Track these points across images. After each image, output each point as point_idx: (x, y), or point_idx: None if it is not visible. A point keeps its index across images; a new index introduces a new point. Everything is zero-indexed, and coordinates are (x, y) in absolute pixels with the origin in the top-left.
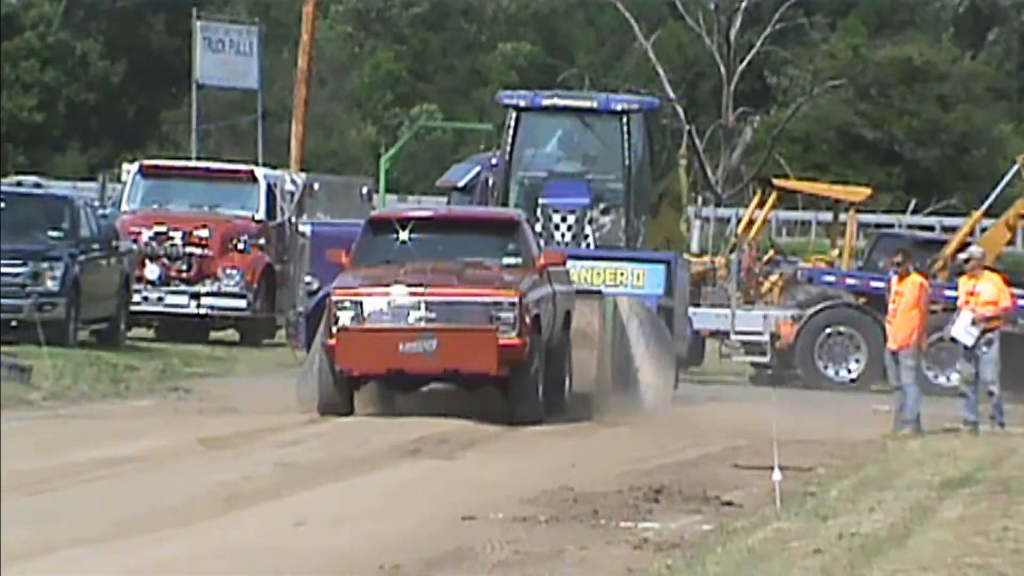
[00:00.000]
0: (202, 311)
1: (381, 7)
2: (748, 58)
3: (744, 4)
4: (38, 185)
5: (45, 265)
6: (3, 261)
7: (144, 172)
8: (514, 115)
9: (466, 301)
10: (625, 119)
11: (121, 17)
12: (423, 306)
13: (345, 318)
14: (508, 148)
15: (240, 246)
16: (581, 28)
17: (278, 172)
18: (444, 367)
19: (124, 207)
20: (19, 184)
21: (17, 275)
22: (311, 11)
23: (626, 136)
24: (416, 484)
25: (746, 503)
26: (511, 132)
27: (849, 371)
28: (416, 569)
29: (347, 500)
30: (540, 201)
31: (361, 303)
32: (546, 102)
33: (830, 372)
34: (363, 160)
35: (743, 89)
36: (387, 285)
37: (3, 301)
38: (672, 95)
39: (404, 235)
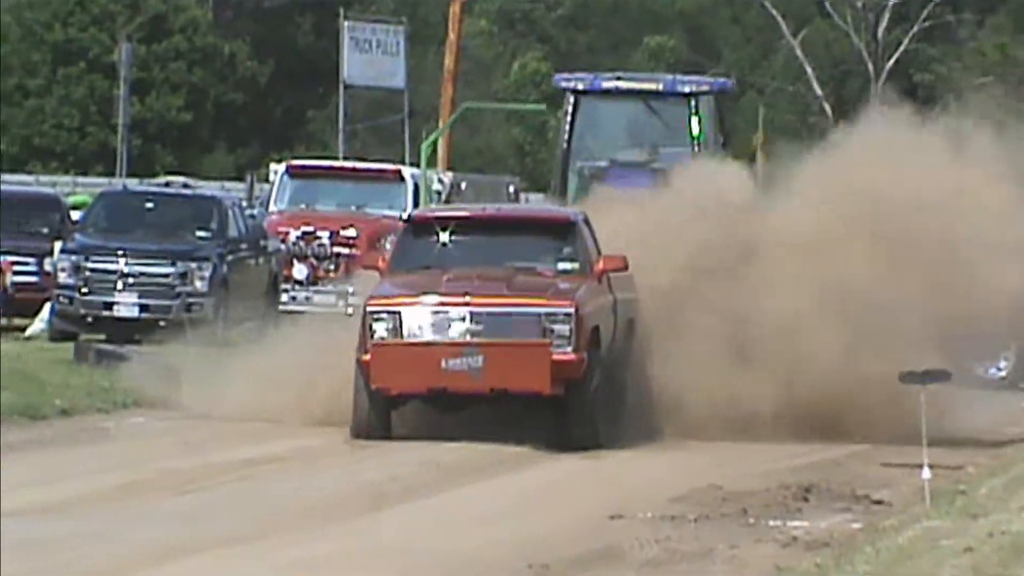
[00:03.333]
0: (350, 311)
1: (527, 8)
2: (896, 56)
3: (892, 2)
4: (186, 186)
5: (193, 265)
6: (152, 261)
7: (291, 172)
8: (572, 99)
9: (516, 312)
10: (694, 102)
11: (269, 18)
12: (468, 317)
13: (381, 331)
14: (566, 134)
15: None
16: (727, 25)
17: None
18: (491, 386)
19: (272, 207)
20: (167, 185)
21: (166, 275)
22: (458, 10)
23: (695, 120)
24: (562, 483)
25: (895, 501)
26: (569, 117)
27: (999, 369)
28: (564, 568)
29: (493, 499)
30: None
31: (399, 314)
32: (607, 84)
33: (979, 370)
34: (508, 159)
35: (890, 87)
36: (428, 294)
37: (152, 301)
38: (820, 92)
39: (447, 237)
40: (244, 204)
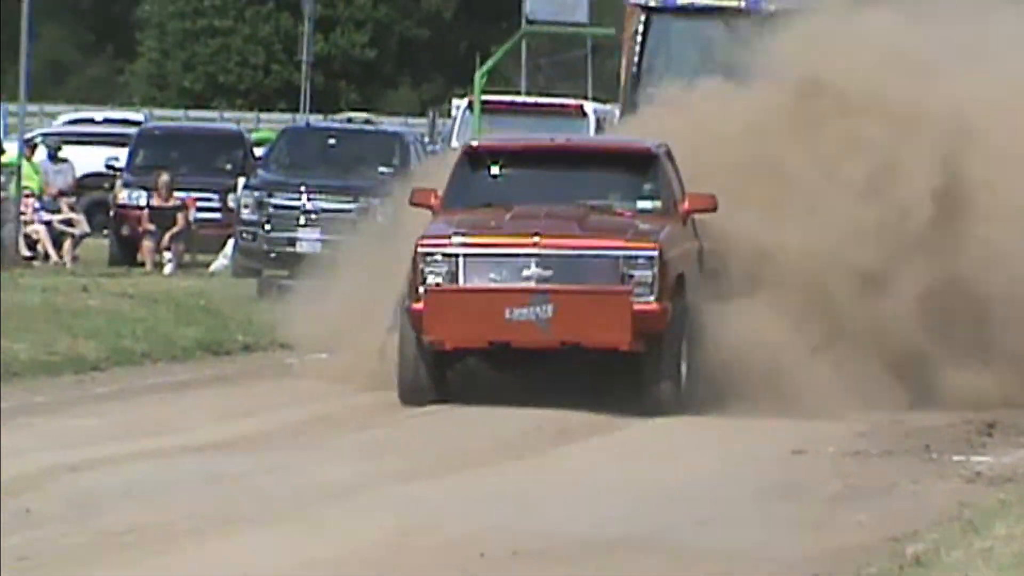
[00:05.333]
0: None
1: None
2: None
3: None
4: (368, 122)
5: (375, 201)
6: (334, 197)
7: (473, 107)
8: (643, 17)
9: (591, 255)
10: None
11: None
12: (535, 261)
13: (435, 276)
14: (636, 58)
15: None
16: None
17: (607, 107)
18: (562, 339)
19: (453, 143)
20: (350, 121)
21: (348, 211)
22: None
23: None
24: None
25: None
26: (639, 39)
27: None
28: (747, 504)
29: (672, 435)
30: None
31: (456, 257)
32: (681, 1)
33: None
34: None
35: None
36: (489, 233)
37: (334, 237)
38: None
39: (510, 171)
40: (426, 140)
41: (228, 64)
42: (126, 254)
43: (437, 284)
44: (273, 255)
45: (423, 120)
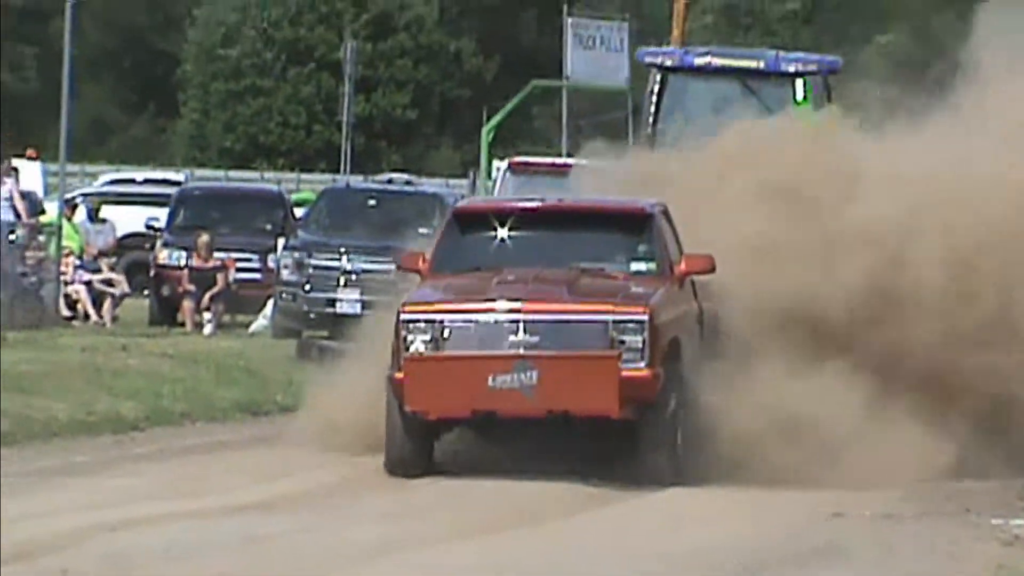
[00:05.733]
0: None
1: (753, 3)
2: None
3: None
4: (409, 183)
5: None
6: (374, 259)
7: (513, 168)
8: (659, 76)
9: (578, 320)
10: (800, 83)
11: (493, 14)
12: (521, 326)
13: (417, 343)
14: (651, 117)
15: None
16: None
17: None
18: (548, 407)
19: None
20: (390, 181)
21: (388, 272)
22: (683, 7)
23: (801, 104)
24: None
25: None
26: (655, 97)
27: None
28: (786, 567)
29: (711, 499)
30: None
31: (439, 323)
32: (699, 61)
33: None
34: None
35: None
36: (474, 300)
37: (374, 298)
38: None
39: (498, 233)
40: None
41: (269, 124)
42: (166, 314)
43: (419, 352)
44: (313, 316)
45: (464, 181)
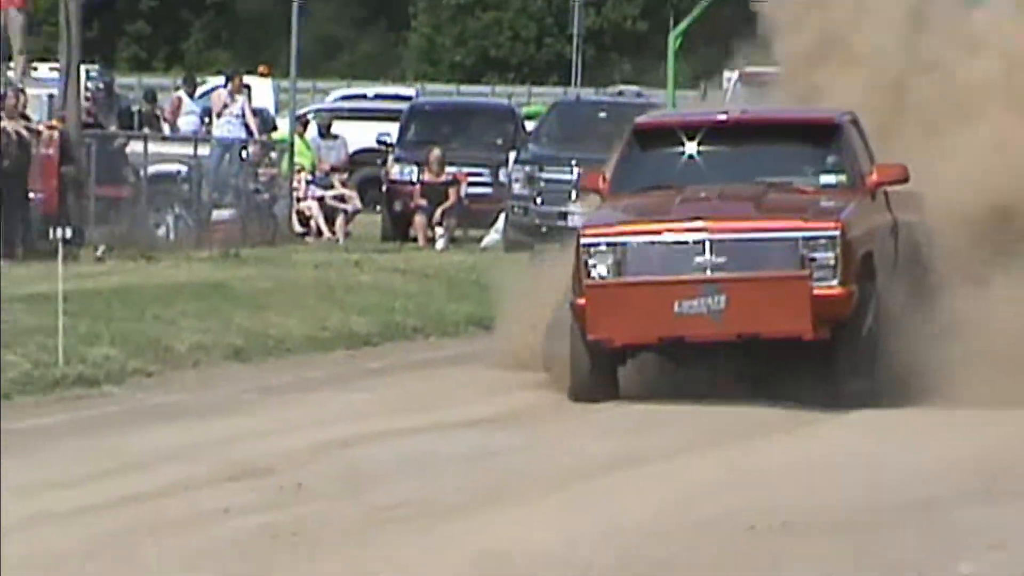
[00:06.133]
0: None
1: None
2: None
3: None
4: (639, 95)
5: None
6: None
7: (744, 79)
8: None
9: (767, 238)
10: None
11: None
12: (707, 247)
13: (600, 268)
14: None
15: None
16: None
17: None
18: (738, 331)
19: None
20: (620, 94)
21: None
22: None
23: None
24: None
25: None
26: None
27: None
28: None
29: (917, 418)
30: None
31: (621, 246)
32: None
33: None
34: None
35: None
36: (657, 220)
37: None
38: None
39: (680, 149)
40: None
41: (500, 38)
42: (398, 230)
43: (601, 277)
44: (544, 229)
45: (695, 92)
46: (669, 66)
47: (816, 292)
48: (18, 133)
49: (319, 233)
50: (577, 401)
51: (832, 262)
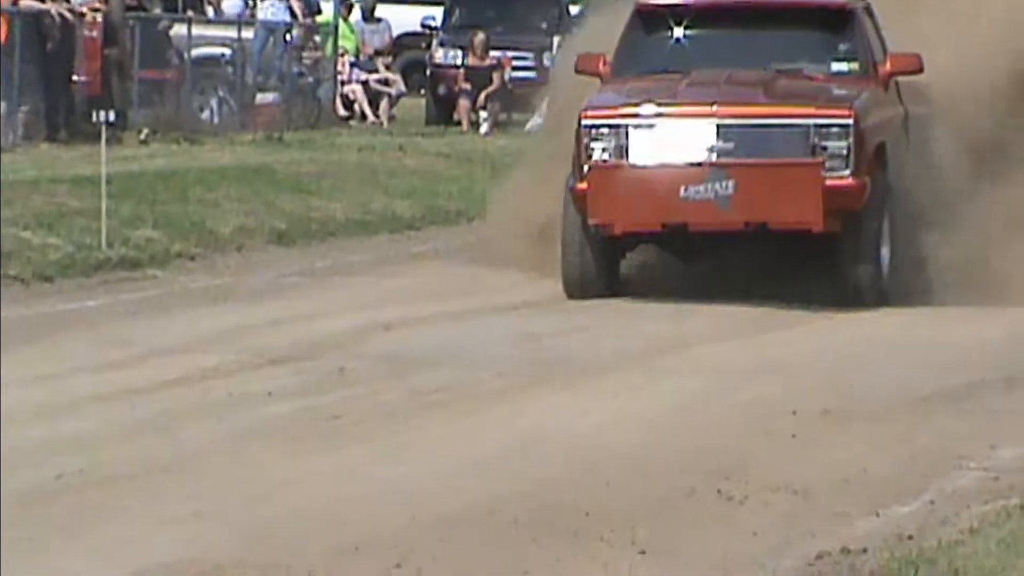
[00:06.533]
0: None
1: None
2: None
3: None
4: None
5: None
6: None
7: None
8: None
9: (776, 123)
10: None
11: None
12: (715, 132)
13: (601, 151)
14: None
15: None
16: None
17: None
18: (746, 219)
19: None
20: None
21: None
22: None
23: None
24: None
25: None
26: None
27: None
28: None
29: (930, 316)
30: None
31: (624, 129)
32: None
33: None
34: None
35: None
36: (662, 103)
37: None
38: None
39: (686, 32)
40: None
41: None
42: (442, 113)
43: (603, 161)
44: None
45: None
46: None
47: (828, 182)
48: (61, 15)
49: (363, 117)
50: (571, 298)
51: (844, 151)
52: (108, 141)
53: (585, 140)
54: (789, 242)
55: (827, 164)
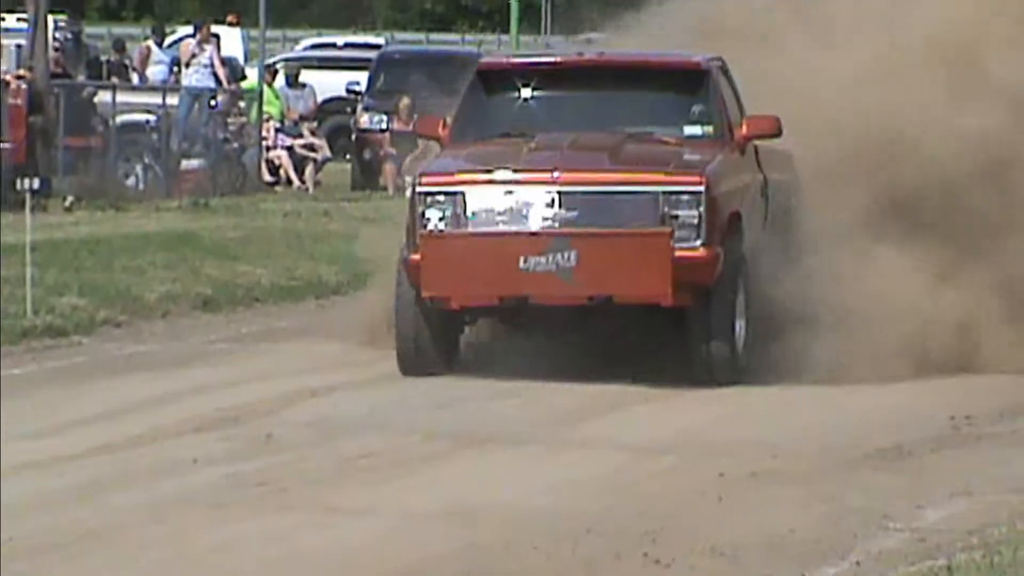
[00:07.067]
0: None
1: None
2: None
3: None
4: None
5: None
6: None
7: None
8: None
9: (623, 191)
10: None
11: None
12: (557, 199)
13: (437, 219)
14: None
15: None
16: None
17: None
18: (589, 293)
19: None
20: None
21: None
22: None
23: None
24: None
25: None
26: None
27: None
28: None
29: (780, 395)
30: None
31: (461, 196)
32: None
33: None
34: None
35: None
36: (502, 169)
37: None
38: None
39: (531, 93)
40: None
41: None
42: (368, 178)
43: (439, 230)
44: None
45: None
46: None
47: (677, 253)
48: None
49: (288, 182)
50: (407, 375)
51: (695, 221)
52: (33, 209)
53: (420, 208)
54: (638, 317)
55: (677, 234)
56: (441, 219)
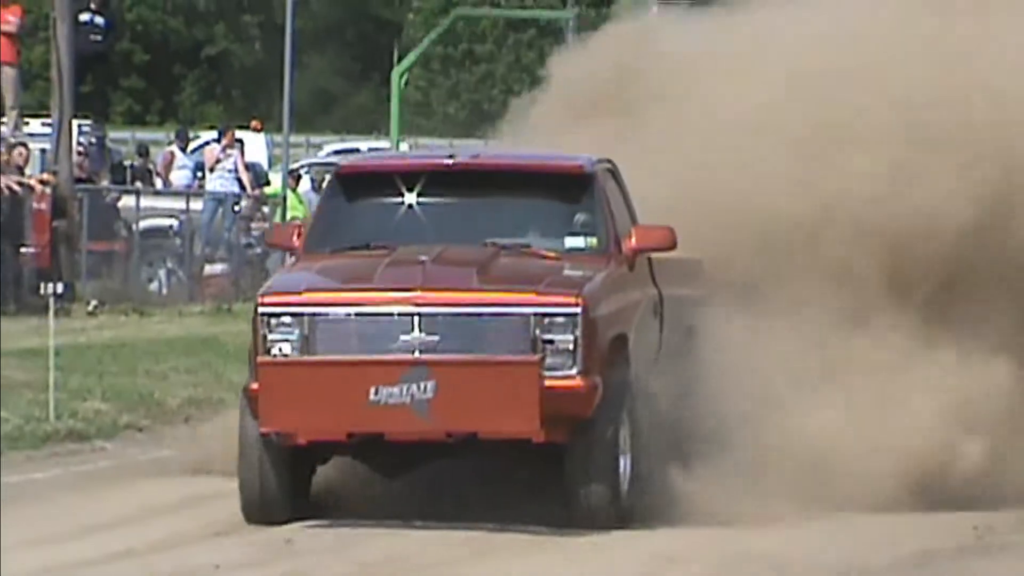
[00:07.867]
0: None
1: None
2: None
3: None
4: None
5: None
6: None
7: None
8: None
9: (490, 312)
10: None
11: None
12: (416, 322)
13: (281, 344)
14: None
15: None
16: None
17: None
18: (449, 428)
19: None
20: None
21: None
22: None
23: None
24: None
25: None
26: None
27: None
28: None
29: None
30: None
31: (306, 318)
32: None
33: None
34: None
35: None
36: (355, 287)
37: None
38: None
39: (393, 200)
40: None
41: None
42: None
43: (283, 355)
44: None
45: None
46: (394, 105)
47: (548, 383)
48: (10, 188)
49: None
50: (251, 522)
51: (571, 346)
52: (56, 313)
53: (262, 331)
54: (509, 454)
55: (549, 361)
56: (287, 342)
